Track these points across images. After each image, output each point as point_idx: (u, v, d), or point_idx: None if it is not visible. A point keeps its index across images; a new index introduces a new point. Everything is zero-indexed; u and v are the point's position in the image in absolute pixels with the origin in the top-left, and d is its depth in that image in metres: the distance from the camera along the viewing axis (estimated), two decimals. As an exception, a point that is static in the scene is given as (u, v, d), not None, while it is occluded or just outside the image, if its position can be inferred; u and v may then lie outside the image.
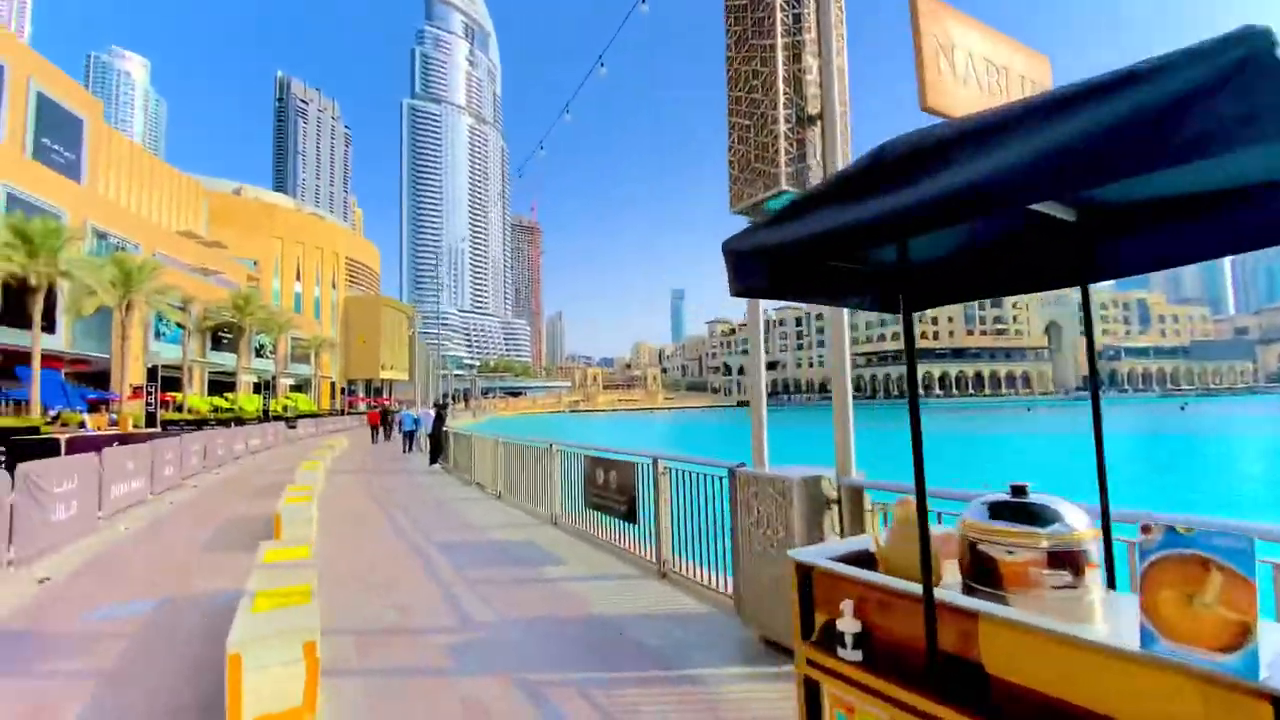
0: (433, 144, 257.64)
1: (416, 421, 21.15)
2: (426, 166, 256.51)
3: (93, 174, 47.19)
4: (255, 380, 56.57)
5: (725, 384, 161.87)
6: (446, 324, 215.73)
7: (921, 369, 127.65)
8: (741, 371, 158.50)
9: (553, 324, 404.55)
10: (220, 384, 52.52)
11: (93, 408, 35.96)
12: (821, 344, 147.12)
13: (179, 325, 44.71)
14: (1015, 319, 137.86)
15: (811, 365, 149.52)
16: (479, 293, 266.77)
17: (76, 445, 13.43)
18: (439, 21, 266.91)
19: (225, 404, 46.91)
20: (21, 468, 5.45)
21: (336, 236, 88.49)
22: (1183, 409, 73.76)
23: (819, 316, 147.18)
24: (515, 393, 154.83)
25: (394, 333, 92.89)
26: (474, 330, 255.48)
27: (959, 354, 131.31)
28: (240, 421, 39.63)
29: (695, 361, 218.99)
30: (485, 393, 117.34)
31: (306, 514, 6.45)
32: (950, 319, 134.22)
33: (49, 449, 13.02)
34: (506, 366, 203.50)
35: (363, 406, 79.46)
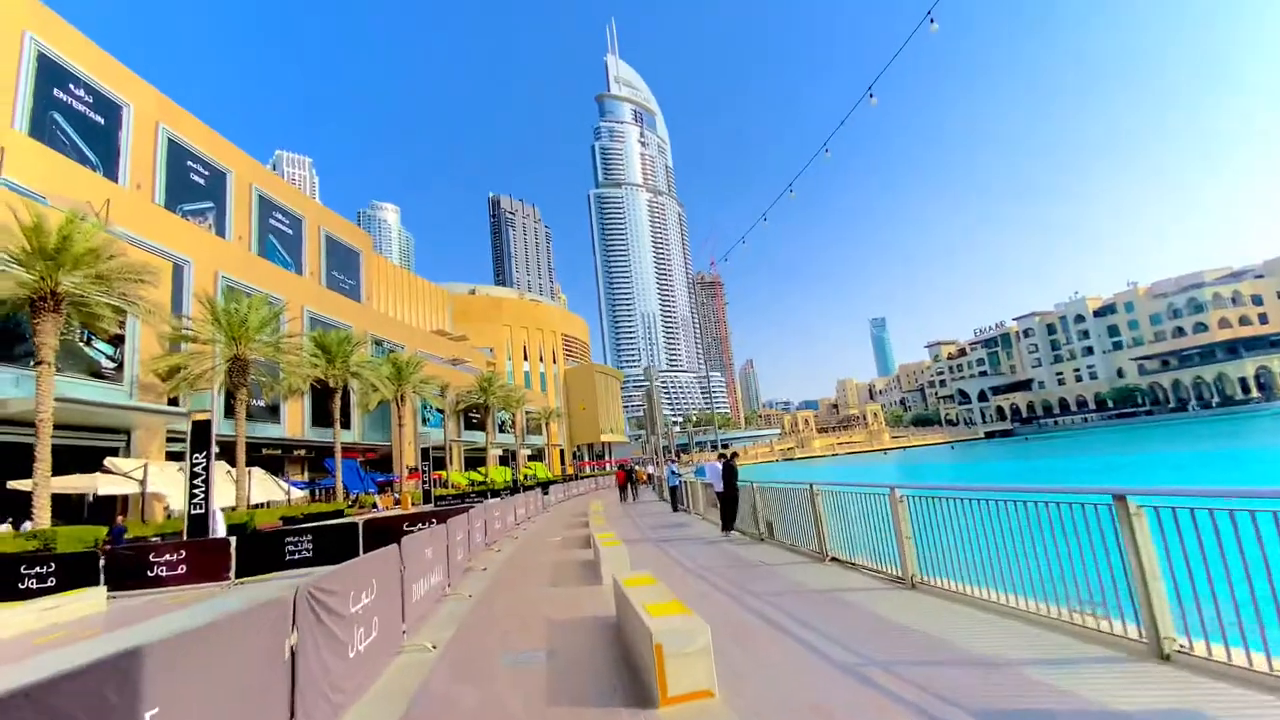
0: (617, 222, 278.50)
1: (678, 477, 18.82)
2: (615, 243, 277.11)
3: (368, 293, 56.30)
4: (500, 453, 61.36)
5: (963, 414, 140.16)
6: (643, 385, 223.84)
7: (1250, 364, 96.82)
8: (984, 397, 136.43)
9: (744, 373, 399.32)
10: (473, 459, 57.57)
11: (381, 489, 40.76)
12: (1089, 351, 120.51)
13: (439, 410, 50.05)
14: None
15: (1079, 379, 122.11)
16: (672, 351, 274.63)
17: (374, 526, 12.96)
18: (611, 115, 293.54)
19: (479, 477, 50.84)
20: (303, 585, 3.23)
21: (552, 316, 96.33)
22: None
23: (1079, 319, 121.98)
24: (724, 445, 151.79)
25: (607, 397, 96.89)
26: (672, 387, 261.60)
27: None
28: (494, 493, 42.06)
29: (915, 392, 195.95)
30: (686, 448, 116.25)
31: (692, 636, 3.51)
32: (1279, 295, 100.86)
33: (348, 536, 12.58)
34: (708, 419, 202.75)
35: (588, 470, 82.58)
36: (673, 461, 21.62)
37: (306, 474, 39.32)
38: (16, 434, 18.50)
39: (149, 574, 11.57)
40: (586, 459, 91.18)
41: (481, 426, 55.79)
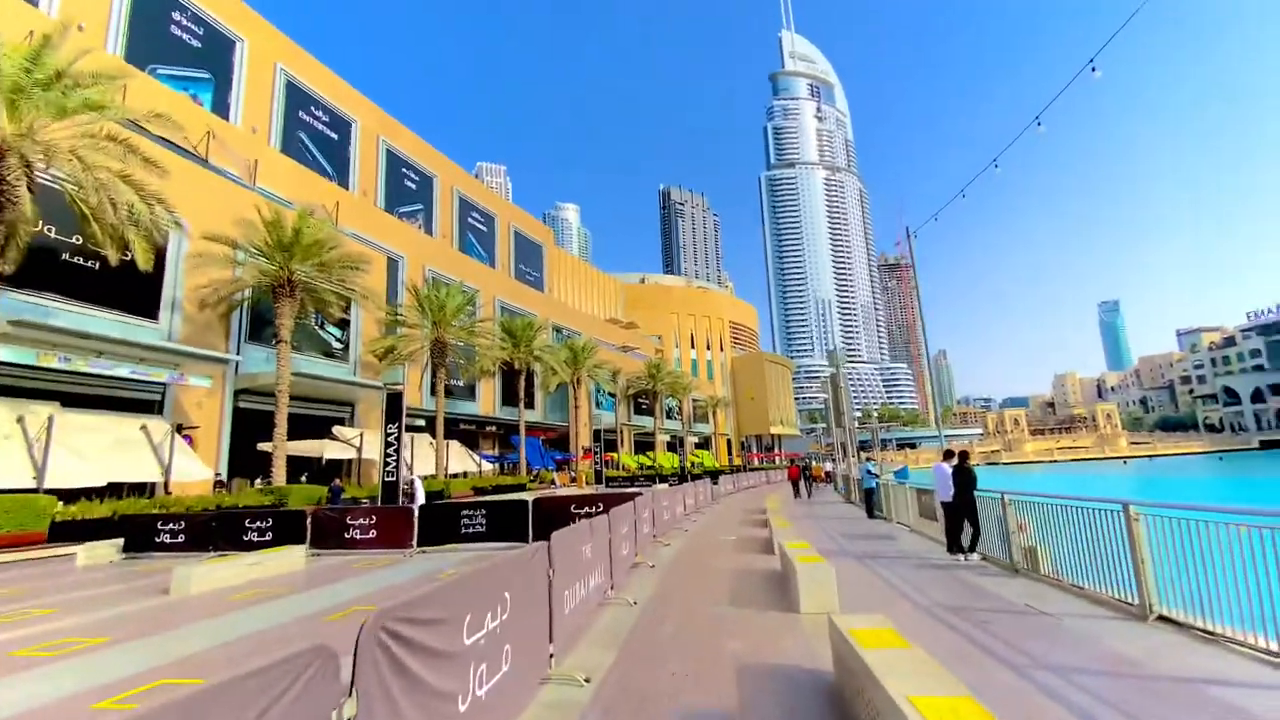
0: (789, 205, 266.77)
1: (876, 478, 16.12)
2: (787, 226, 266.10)
3: (549, 284, 59.52)
4: (668, 439, 61.57)
5: (1230, 417, 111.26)
6: (816, 376, 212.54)
7: None
8: (1260, 398, 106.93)
9: (936, 365, 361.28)
10: (642, 443, 58.39)
11: (559, 467, 42.72)
12: None
13: (611, 394, 51.34)
14: None
15: None
16: (850, 339, 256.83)
17: (544, 506, 12.53)
18: (785, 93, 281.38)
19: (648, 461, 51.30)
20: (376, 617, 1.95)
21: (719, 303, 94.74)
22: None
23: None
24: (910, 444, 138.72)
25: (777, 387, 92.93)
26: (851, 379, 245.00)
27: None
28: (662, 477, 41.83)
29: (1161, 390, 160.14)
30: (866, 445, 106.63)
31: None
32: None
33: (519, 513, 12.22)
34: (892, 415, 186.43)
35: (757, 462, 79.99)
36: (869, 460, 18.59)
37: (496, 449, 42.52)
38: (265, 403, 21.69)
39: (345, 535, 12.23)
40: (755, 450, 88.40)
41: (650, 411, 56.29)
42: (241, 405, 22.76)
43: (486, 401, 40.12)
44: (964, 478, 8.88)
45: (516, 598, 3.63)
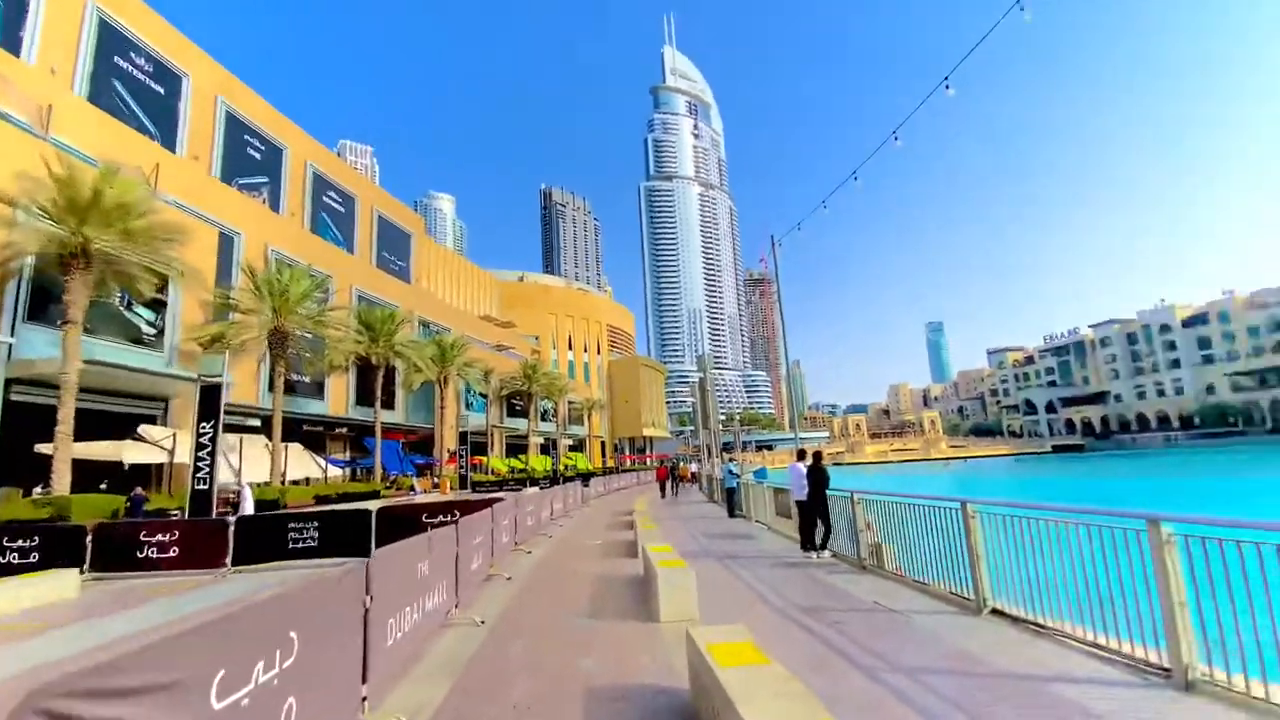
0: (667, 216, 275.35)
1: (737, 478, 16.60)
2: (664, 237, 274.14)
3: (417, 275, 55.84)
4: (542, 441, 60.35)
5: (1028, 425, 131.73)
6: (686, 381, 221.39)
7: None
8: (1052, 409, 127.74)
9: (791, 374, 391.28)
10: (515, 446, 56.64)
11: (420, 472, 39.93)
12: (1176, 364, 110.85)
13: (482, 395, 49.13)
14: None
15: (1162, 394, 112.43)
16: (717, 348, 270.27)
17: (391, 514, 11.28)
18: (665, 107, 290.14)
19: (520, 464, 49.74)
20: (42, 685, 1.17)
21: (598, 307, 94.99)
22: None
23: (1165, 329, 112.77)
24: (767, 446, 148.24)
25: (651, 391, 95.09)
26: (717, 385, 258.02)
27: None
28: (534, 481, 40.68)
29: (974, 400, 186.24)
30: (730, 447, 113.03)
31: None
32: None
33: (360, 525, 10.93)
34: (753, 419, 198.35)
35: (629, 463, 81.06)
36: (731, 461, 19.31)
37: (348, 453, 38.86)
38: (49, 396, 17.84)
39: (138, 555, 10.19)
40: (628, 452, 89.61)
41: (524, 414, 54.72)
42: (14, 398, 18.53)
43: (337, 400, 36.50)
44: (817, 477, 9.21)
45: (311, 635, 2.89)
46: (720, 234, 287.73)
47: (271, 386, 26.64)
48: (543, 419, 60.34)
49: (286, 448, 28.06)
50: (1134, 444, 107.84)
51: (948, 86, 11.10)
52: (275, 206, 39.39)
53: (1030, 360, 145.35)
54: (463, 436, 39.08)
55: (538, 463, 50.69)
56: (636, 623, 5.85)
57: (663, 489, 27.54)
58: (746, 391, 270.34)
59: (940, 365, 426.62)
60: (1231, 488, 34.82)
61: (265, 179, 39.87)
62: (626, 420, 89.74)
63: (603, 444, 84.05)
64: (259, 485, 22.68)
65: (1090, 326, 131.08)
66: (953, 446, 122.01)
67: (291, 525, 10.89)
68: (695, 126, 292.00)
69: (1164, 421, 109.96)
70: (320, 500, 25.52)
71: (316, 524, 10.81)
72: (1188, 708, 3.43)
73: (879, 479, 62.36)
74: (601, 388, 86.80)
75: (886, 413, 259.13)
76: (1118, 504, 5.69)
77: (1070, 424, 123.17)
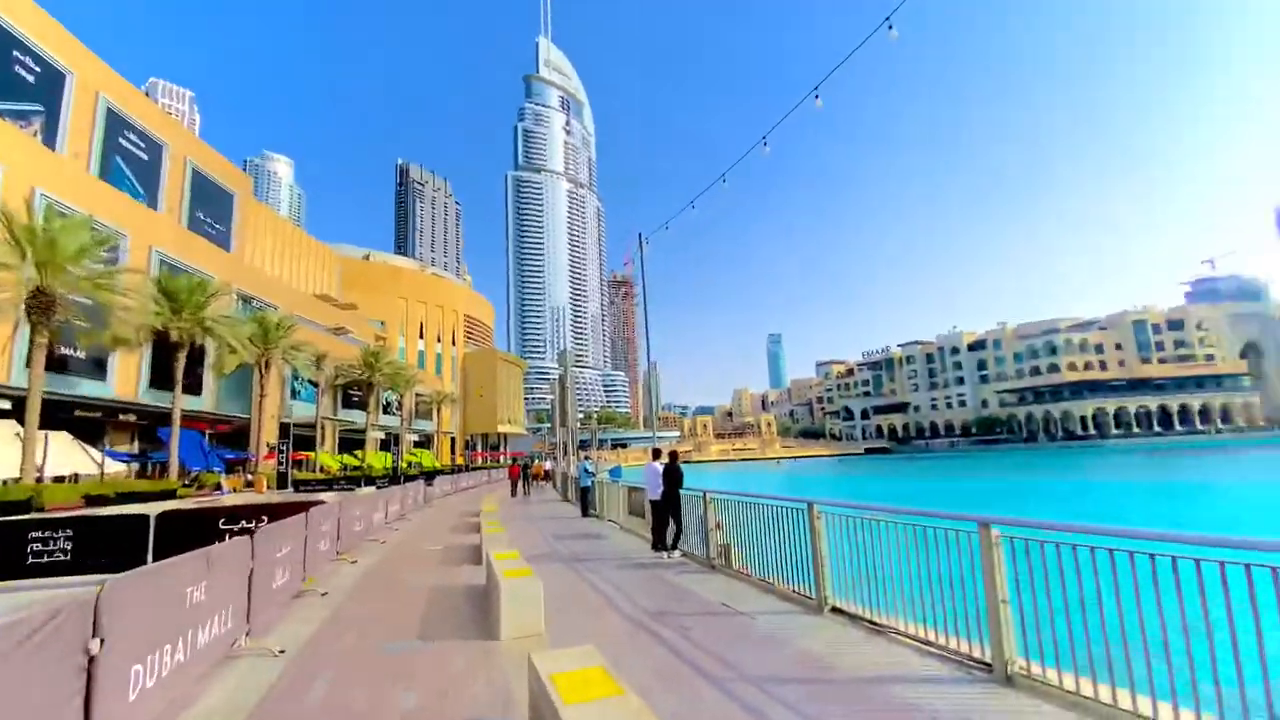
0: (534, 209, 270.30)
1: (592, 476, 16.32)
2: (530, 230, 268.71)
3: (240, 243, 48.79)
4: (382, 436, 55.70)
5: (846, 429, 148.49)
6: (546, 377, 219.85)
7: (1090, 405, 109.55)
8: (866, 416, 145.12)
9: (648, 375, 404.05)
10: (350, 441, 51.64)
11: (230, 468, 34.74)
12: (960, 381, 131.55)
13: (312, 383, 44.08)
14: (1201, 341, 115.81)
15: (950, 405, 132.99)
16: (579, 347, 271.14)
17: (176, 519, 9.32)
18: (537, 98, 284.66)
19: (355, 461, 45.39)
20: None
21: (455, 295, 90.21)
22: None
23: (955, 351, 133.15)
24: (622, 444, 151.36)
25: (508, 386, 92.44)
26: (577, 383, 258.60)
27: (1137, 386, 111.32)
28: (370, 479, 37.13)
29: (804, 406, 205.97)
30: (586, 445, 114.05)
31: None
32: (1119, 345, 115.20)
33: (132, 534, 8.96)
34: (609, 418, 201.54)
35: (481, 461, 78.03)
36: (586, 459, 18.83)
37: (135, 444, 32.78)
38: None
39: None
40: (480, 450, 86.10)
41: (363, 405, 50.06)
42: None
43: (125, 380, 30.61)
44: (673, 476, 9.19)
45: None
46: (587, 234, 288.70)
47: (29, 361, 21.52)
48: (385, 412, 55.80)
49: (47, 436, 22.90)
50: (928, 448, 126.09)
51: (817, 97, 11.56)
52: (51, 143, 32.15)
53: (851, 373, 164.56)
54: (284, 428, 34.68)
55: (376, 460, 46.67)
56: (474, 642, 5.24)
57: (514, 488, 26.62)
58: (605, 391, 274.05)
59: (778, 373, 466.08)
60: (1009, 488, 41.68)
61: (39, 107, 32.34)
62: (481, 416, 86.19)
63: (453, 440, 79.86)
64: (3, 483, 18.18)
65: (899, 346, 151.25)
66: (784, 447, 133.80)
67: (34, 533, 8.62)
68: (567, 123, 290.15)
69: (950, 429, 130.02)
70: (92, 501, 21.04)
71: (70, 532, 8.65)
72: (1007, 701, 3.62)
73: (722, 476, 66.13)
74: (454, 381, 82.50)
75: (730, 415, 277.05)
76: (906, 502, 6.29)
77: (879, 429, 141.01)
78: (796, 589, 6.01)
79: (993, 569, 3.87)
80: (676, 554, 9.07)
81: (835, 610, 5.47)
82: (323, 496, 14.66)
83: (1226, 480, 37.57)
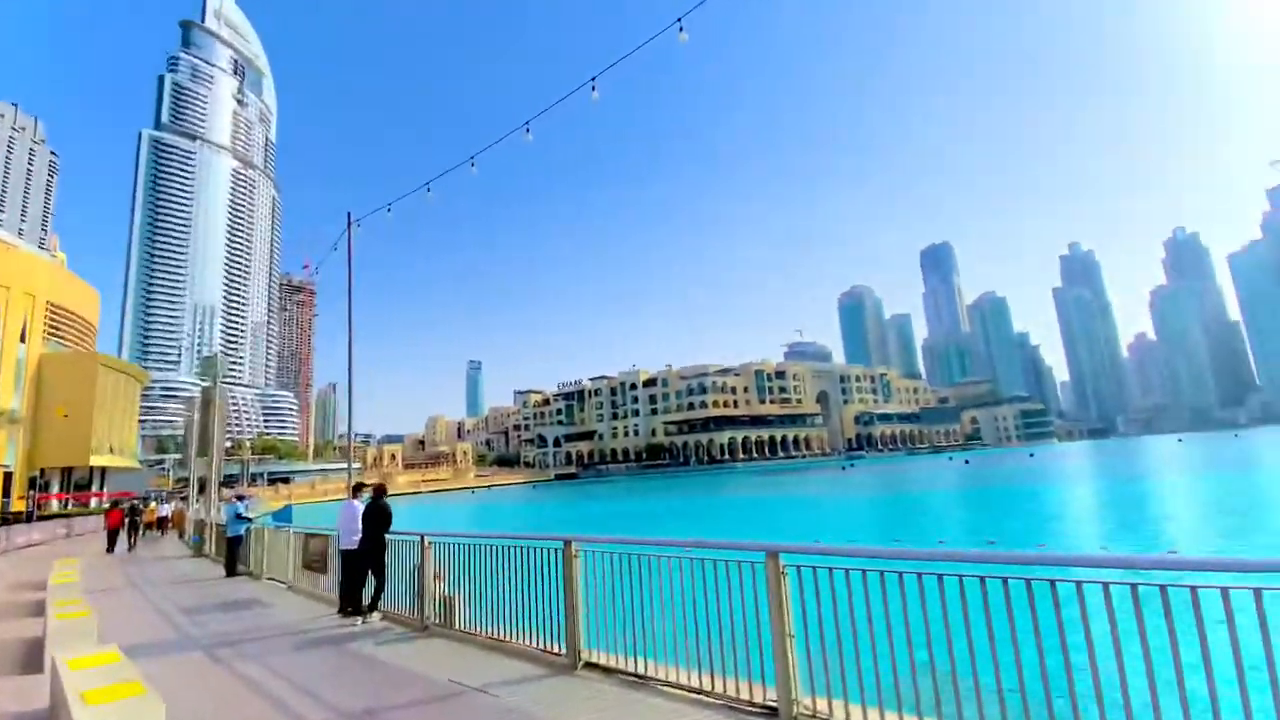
0: (182, 183, 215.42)
1: (247, 521, 12.58)
2: (173, 207, 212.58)
3: None
4: None
5: (539, 457, 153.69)
6: (178, 395, 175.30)
7: (726, 435, 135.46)
8: (558, 443, 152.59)
9: (324, 397, 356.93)
10: None
11: None
12: (637, 412, 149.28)
13: None
14: (795, 389, 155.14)
15: (628, 434, 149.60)
16: (235, 360, 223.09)
17: None
18: (199, 51, 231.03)
19: None
20: None
21: (37, 272, 65.20)
22: (966, 463, 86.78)
23: (633, 386, 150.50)
24: (284, 479, 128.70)
25: (117, 405, 70.06)
26: (229, 403, 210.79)
27: (757, 421, 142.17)
28: None
29: (501, 435, 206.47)
30: (234, 479, 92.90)
31: None
32: (746, 389, 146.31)
33: None
34: (269, 446, 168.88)
35: (55, 504, 56.59)
36: (239, 499, 14.00)
37: None
38: None
39: None
40: (61, 490, 62.20)
41: None
42: None
43: None
44: (377, 517, 7.51)
45: None
46: (256, 225, 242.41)
47: None
48: None
49: None
50: (608, 472, 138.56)
51: (594, 88, 11.11)
52: None
53: (548, 402, 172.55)
54: None
55: None
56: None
57: (112, 542, 19.43)
58: (265, 415, 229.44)
59: (476, 400, 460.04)
60: (681, 507, 47.62)
61: None
62: (64, 443, 62.42)
63: (8, 476, 55.88)
64: None
65: (590, 379, 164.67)
66: (479, 476, 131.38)
67: None
68: (241, 91, 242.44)
69: (626, 455, 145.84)
70: None
71: None
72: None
73: (410, 509, 60.86)
74: (18, 393, 58.44)
75: (422, 443, 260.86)
76: (592, 522, 6.24)
77: (569, 456, 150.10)
78: (544, 646, 5.22)
79: (781, 602, 3.73)
80: (375, 617, 7.34)
81: (591, 665, 4.86)
82: None
83: (818, 494, 50.01)
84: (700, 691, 4.24)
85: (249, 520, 12.98)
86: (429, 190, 15.19)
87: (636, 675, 4.64)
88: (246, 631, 7.44)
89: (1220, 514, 23.82)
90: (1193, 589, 2.52)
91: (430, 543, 6.91)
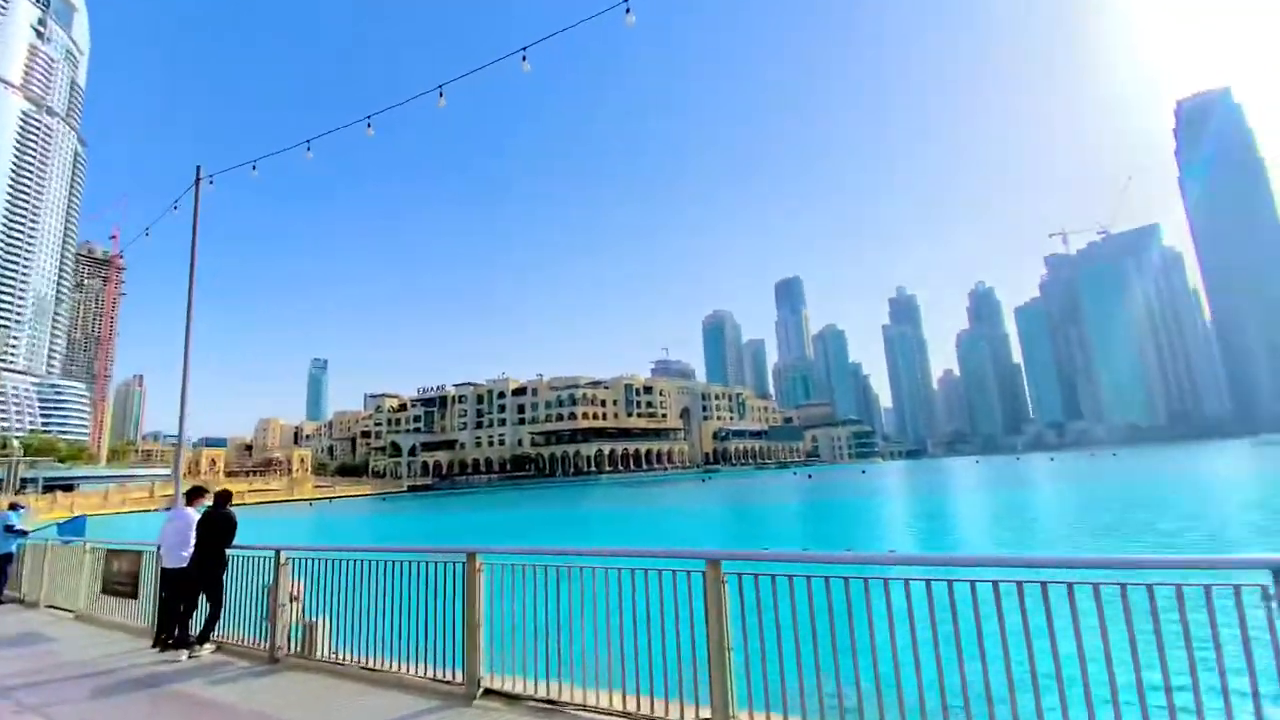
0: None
1: (20, 535, 10.03)
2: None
3: None
4: None
5: (392, 466, 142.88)
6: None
7: (593, 447, 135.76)
8: (414, 452, 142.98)
9: (127, 392, 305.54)
10: None
11: None
12: (504, 422, 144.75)
13: None
14: (661, 404, 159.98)
15: (493, 444, 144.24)
16: (6, 341, 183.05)
17: None
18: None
19: None
20: None
21: None
22: (809, 477, 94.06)
23: (501, 395, 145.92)
24: (67, 486, 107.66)
25: None
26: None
27: (624, 433, 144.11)
28: None
29: (347, 441, 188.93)
30: None
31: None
32: (615, 401, 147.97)
33: None
34: (49, 447, 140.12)
35: None
36: (12, 508, 10.82)
37: None
38: None
39: None
40: None
41: None
42: None
43: None
44: (218, 528, 6.31)
45: None
46: (50, 182, 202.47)
47: None
48: None
49: None
50: (468, 483, 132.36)
51: (524, 58, 10.44)
52: None
53: (404, 407, 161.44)
54: None
55: None
56: None
57: None
58: (44, 409, 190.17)
59: (319, 403, 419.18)
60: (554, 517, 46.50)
61: None
62: None
63: None
64: None
65: (454, 385, 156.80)
66: (318, 487, 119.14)
67: None
68: (43, 23, 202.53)
69: (489, 466, 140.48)
70: None
71: None
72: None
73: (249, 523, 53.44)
74: None
75: (250, 448, 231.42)
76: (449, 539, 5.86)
77: (425, 466, 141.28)
78: (434, 674, 4.60)
79: (721, 614, 3.55)
80: (207, 649, 6.11)
81: (492, 693, 4.35)
82: None
83: (695, 506, 51.52)
84: (623, 714, 3.96)
85: (22, 534, 10.33)
86: (309, 149, 13.48)
87: (548, 701, 4.22)
88: (24, 675, 5.82)
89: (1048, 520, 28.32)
90: (1122, 586, 2.76)
91: (287, 559, 5.91)
